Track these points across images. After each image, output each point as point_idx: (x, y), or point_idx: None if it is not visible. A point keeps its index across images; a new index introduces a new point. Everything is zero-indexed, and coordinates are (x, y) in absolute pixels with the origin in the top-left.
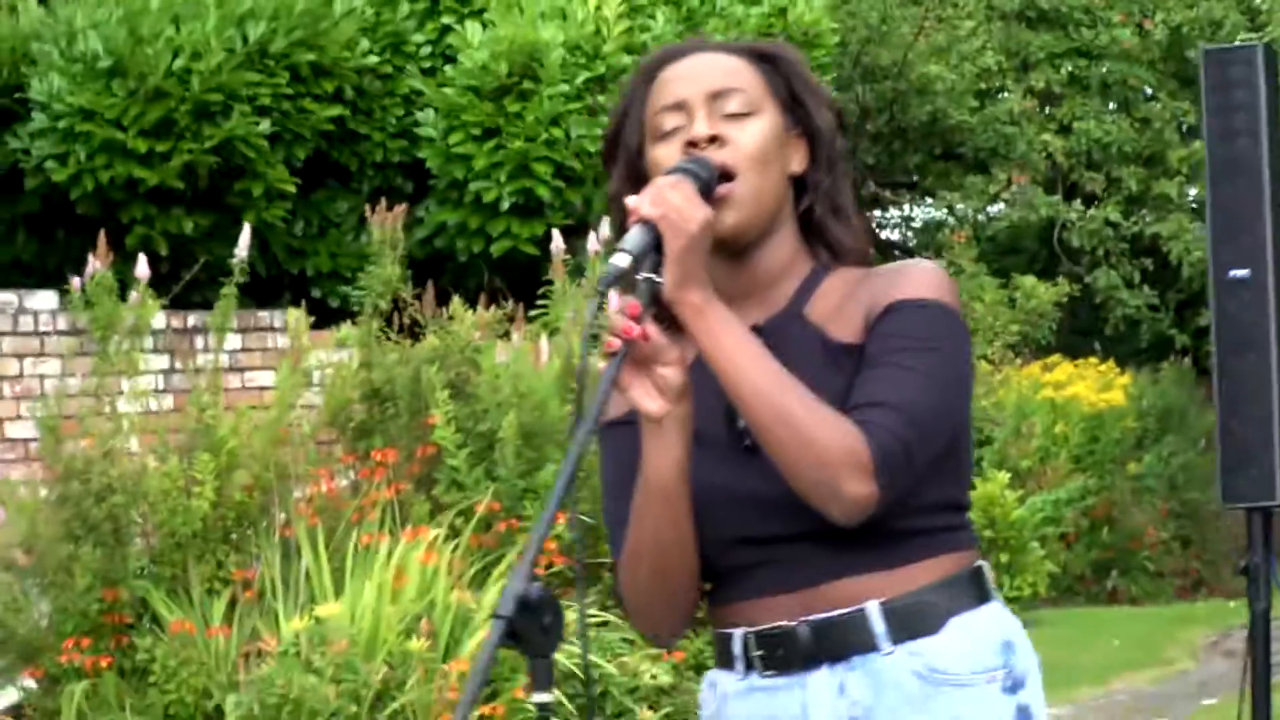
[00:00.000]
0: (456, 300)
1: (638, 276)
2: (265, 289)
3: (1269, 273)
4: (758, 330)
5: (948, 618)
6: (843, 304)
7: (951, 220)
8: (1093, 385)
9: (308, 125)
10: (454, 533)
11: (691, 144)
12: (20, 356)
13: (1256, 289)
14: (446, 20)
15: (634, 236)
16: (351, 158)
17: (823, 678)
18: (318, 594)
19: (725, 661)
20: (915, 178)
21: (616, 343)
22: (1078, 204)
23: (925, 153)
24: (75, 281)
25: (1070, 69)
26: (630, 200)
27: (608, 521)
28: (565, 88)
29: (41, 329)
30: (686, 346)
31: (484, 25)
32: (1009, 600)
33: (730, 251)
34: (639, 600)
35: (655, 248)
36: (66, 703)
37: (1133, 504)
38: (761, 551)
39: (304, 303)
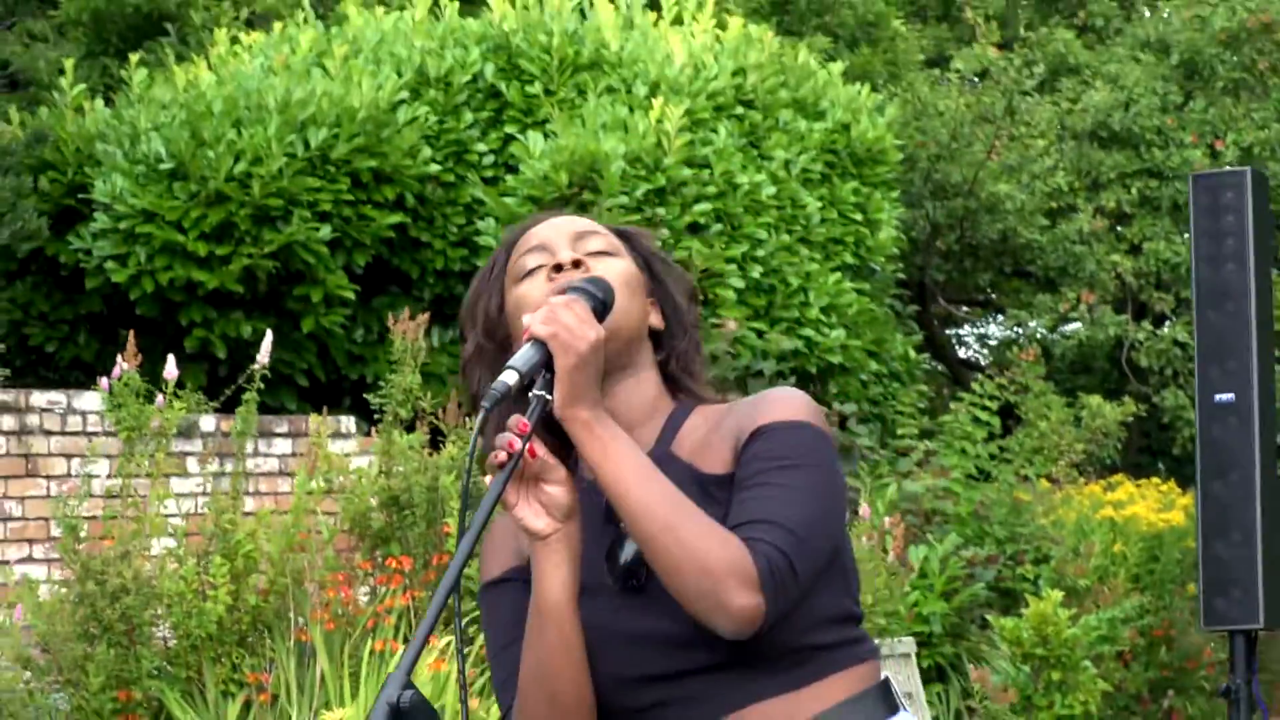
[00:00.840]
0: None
1: (531, 394)
2: (325, 394)
3: (1254, 397)
4: None
5: None
6: (709, 438)
7: (1021, 338)
8: (1153, 505)
9: (368, 232)
10: (467, 640)
11: (557, 268)
12: (68, 456)
13: (1241, 413)
14: (509, 130)
15: (524, 354)
16: (412, 265)
17: None
18: (332, 698)
19: None
20: (986, 295)
21: (503, 456)
22: (1146, 324)
23: (995, 270)
24: (103, 382)
25: (1141, 189)
26: (525, 318)
27: (495, 682)
28: (625, 199)
29: (90, 429)
30: (573, 480)
31: (546, 136)
32: (1062, 718)
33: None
34: None
35: (546, 365)
36: None
37: (1191, 624)
38: (665, 689)
39: (343, 407)
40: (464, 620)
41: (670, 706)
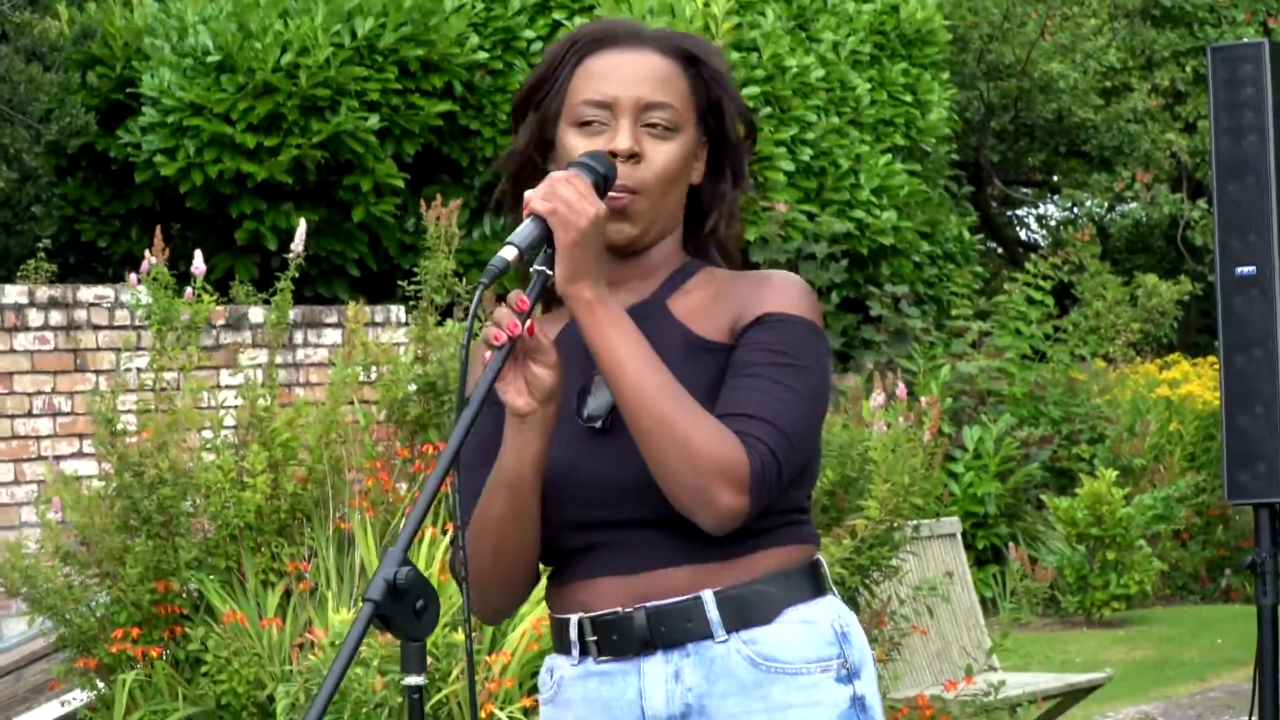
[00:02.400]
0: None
1: (531, 269)
2: (378, 284)
3: (1275, 270)
4: None
5: (782, 608)
6: (709, 303)
7: (1078, 218)
8: (1209, 383)
9: (417, 121)
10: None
11: (613, 154)
12: (117, 350)
13: (1263, 286)
14: (557, 16)
15: (524, 230)
16: (462, 154)
17: (658, 664)
18: None
19: (562, 646)
20: (1042, 175)
21: (502, 336)
22: (1202, 203)
23: (1050, 150)
24: (132, 277)
25: (1194, 67)
26: (526, 193)
27: (460, 491)
28: None
29: (138, 323)
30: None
31: (593, 21)
32: (1118, 598)
33: (617, 252)
34: (476, 578)
35: (547, 241)
36: (119, 691)
37: None
38: (600, 534)
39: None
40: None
41: (601, 551)
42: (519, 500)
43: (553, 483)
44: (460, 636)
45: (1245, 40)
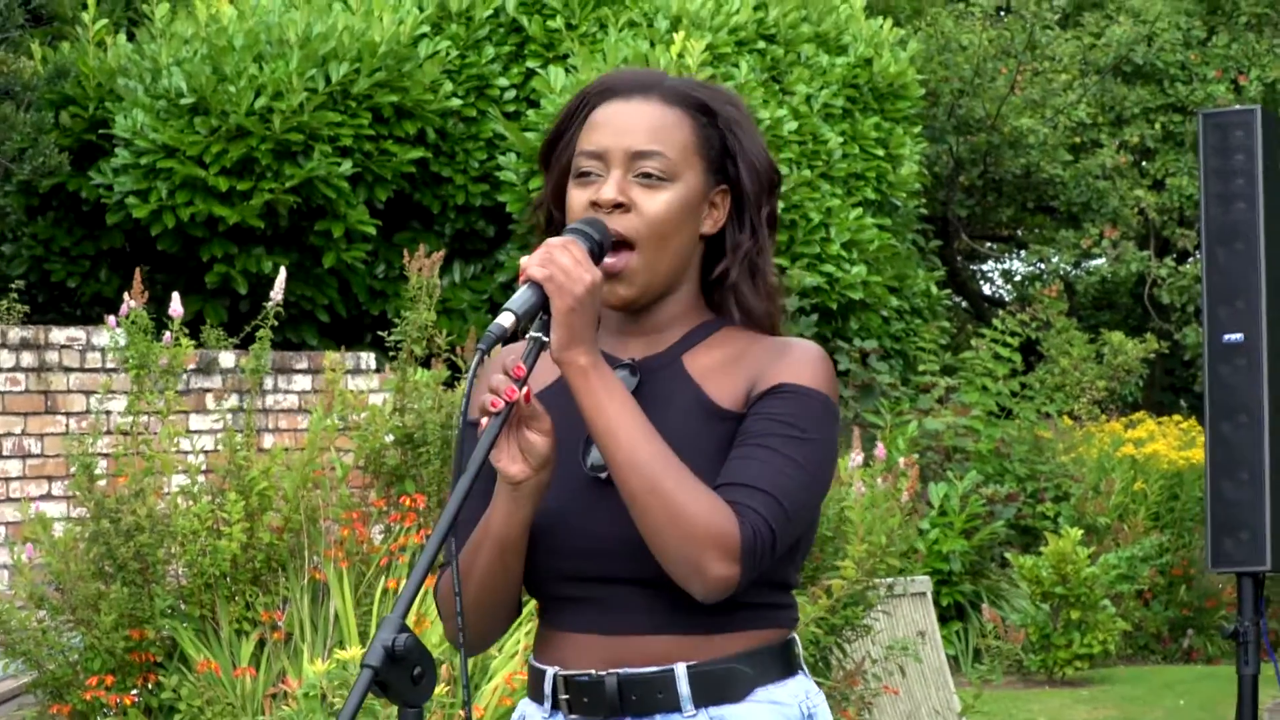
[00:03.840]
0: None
1: (527, 336)
2: (347, 330)
3: (1263, 337)
4: (633, 365)
5: (753, 687)
6: (726, 367)
7: (1044, 274)
8: (1174, 442)
9: (389, 167)
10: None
11: (596, 204)
12: (87, 393)
13: (1250, 353)
14: (531, 65)
15: (520, 296)
16: (433, 200)
17: None
18: (345, 637)
19: (537, 695)
20: (1010, 230)
21: (500, 402)
22: (1169, 260)
23: (1018, 206)
24: (110, 319)
25: (1164, 124)
26: (521, 260)
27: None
28: None
29: (109, 365)
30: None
31: (567, 70)
32: (1081, 657)
33: (631, 310)
34: (454, 617)
35: (544, 307)
36: None
37: None
38: (588, 589)
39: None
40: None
41: (587, 606)
42: (504, 558)
43: (549, 530)
44: (436, 690)
45: (1237, 107)
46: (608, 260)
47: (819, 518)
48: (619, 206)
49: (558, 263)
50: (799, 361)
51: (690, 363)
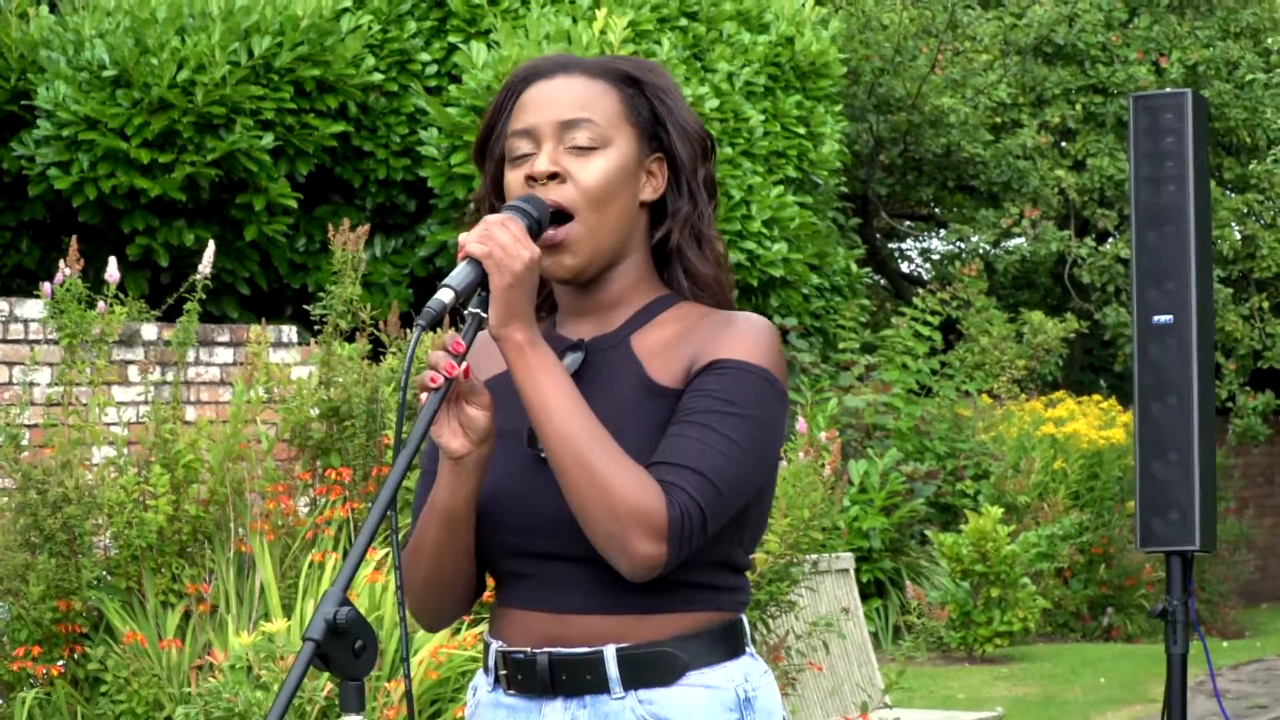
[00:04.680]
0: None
1: (466, 312)
2: (268, 303)
3: (1192, 319)
4: (581, 345)
5: (685, 671)
6: (671, 344)
7: (964, 253)
8: (1094, 422)
9: (311, 141)
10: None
11: (531, 178)
12: (10, 364)
13: (1179, 334)
14: (453, 40)
15: (459, 273)
16: (355, 174)
17: (557, 709)
18: (271, 609)
19: (485, 669)
20: (930, 209)
21: (439, 378)
22: (1089, 240)
23: (939, 185)
24: (45, 287)
25: (1085, 105)
26: (460, 236)
27: (415, 506)
28: None
29: (32, 337)
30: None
31: (489, 46)
32: (1001, 635)
33: (573, 283)
34: (413, 593)
35: (482, 284)
36: (19, 710)
37: (1130, 541)
38: (530, 565)
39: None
40: (401, 534)
41: (528, 583)
42: (452, 532)
43: (494, 507)
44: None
45: (1168, 90)
46: (549, 232)
47: (772, 496)
48: (554, 177)
49: (496, 239)
50: (741, 336)
51: (638, 342)
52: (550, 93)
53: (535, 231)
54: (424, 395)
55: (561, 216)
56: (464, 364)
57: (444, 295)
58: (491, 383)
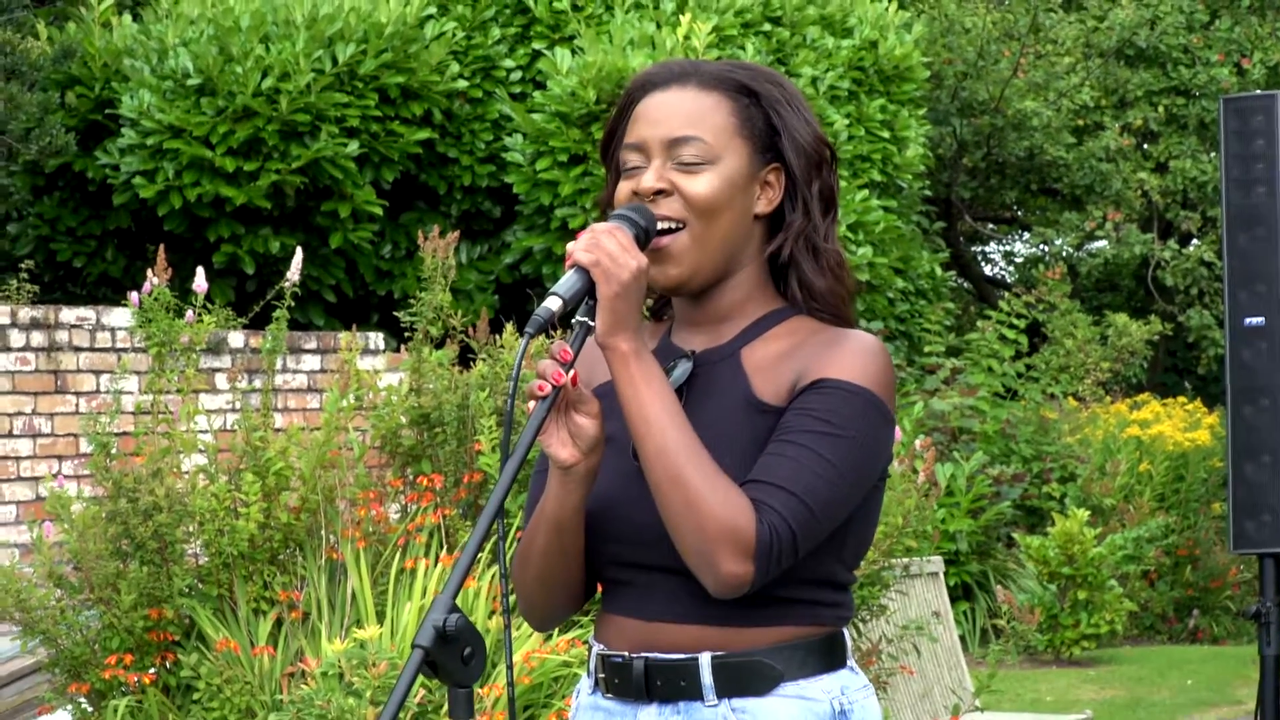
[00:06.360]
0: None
1: (574, 320)
2: (353, 310)
3: None
4: (692, 356)
5: (780, 682)
6: (779, 360)
7: (1047, 256)
8: (1179, 424)
9: (396, 148)
10: (495, 558)
11: (637, 194)
12: (97, 373)
13: (1271, 336)
14: (537, 46)
15: (567, 281)
16: (440, 181)
17: (651, 715)
18: (363, 616)
19: (588, 671)
20: (1013, 212)
21: (546, 387)
22: (1172, 243)
23: (1022, 188)
24: (133, 296)
25: (1167, 107)
26: (569, 245)
27: (527, 503)
28: None
29: (119, 345)
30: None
31: (573, 52)
32: (1088, 637)
33: (685, 295)
34: (523, 595)
35: (589, 293)
36: (110, 717)
37: (1216, 543)
38: (630, 573)
39: (373, 323)
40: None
41: (628, 591)
42: (561, 539)
43: (600, 515)
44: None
45: (1258, 93)
46: (657, 239)
47: (877, 515)
48: (660, 193)
49: (604, 248)
50: (848, 355)
51: (748, 356)
52: (662, 107)
53: (642, 241)
54: (531, 404)
55: (670, 228)
56: (571, 372)
57: (552, 303)
58: (601, 390)
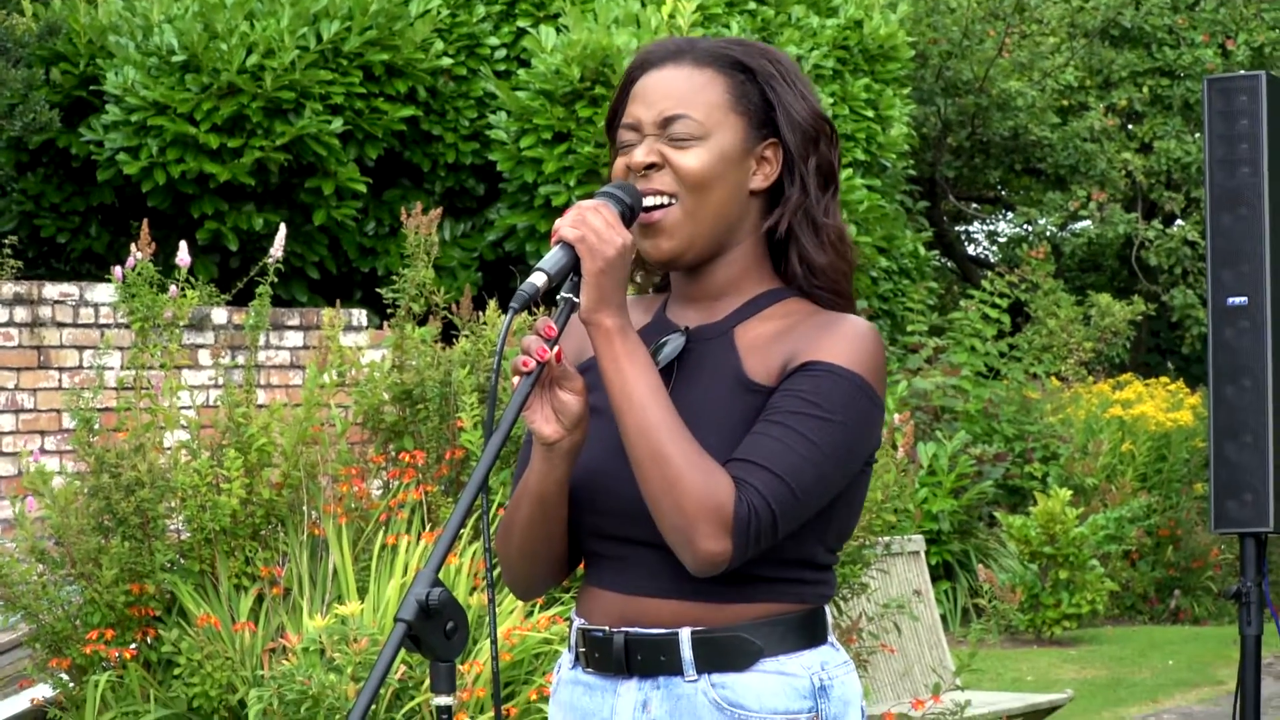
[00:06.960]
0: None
1: (558, 297)
2: (336, 287)
3: (1267, 300)
4: (685, 332)
5: (760, 657)
6: (772, 340)
7: (1030, 236)
8: (1162, 404)
9: (380, 125)
10: (478, 534)
11: (629, 169)
12: (80, 348)
13: (1254, 316)
14: (521, 24)
15: (552, 257)
16: (424, 158)
17: (631, 689)
18: (344, 592)
19: (569, 645)
20: (996, 192)
21: (531, 362)
22: (1156, 223)
23: (1006, 168)
24: (116, 271)
25: (1152, 88)
26: (556, 221)
27: (515, 474)
28: None
29: (102, 321)
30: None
31: (558, 30)
32: (1069, 617)
33: (678, 269)
34: (507, 566)
35: (575, 269)
36: (92, 692)
37: (1198, 524)
38: (613, 547)
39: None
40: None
41: (611, 564)
42: (544, 512)
43: (584, 488)
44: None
45: (1242, 73)
46: (646, 214)
47: (862, 499)
48: (651, 166)
49: (589, 224)
50: (840, 339)
51: (741, 334)
52: (657, 85)
53: (628, 218)
54: (516, 379)
55: (661, 203)
56: (556, 348)
57: (537, 279)
58: (586, 365)
